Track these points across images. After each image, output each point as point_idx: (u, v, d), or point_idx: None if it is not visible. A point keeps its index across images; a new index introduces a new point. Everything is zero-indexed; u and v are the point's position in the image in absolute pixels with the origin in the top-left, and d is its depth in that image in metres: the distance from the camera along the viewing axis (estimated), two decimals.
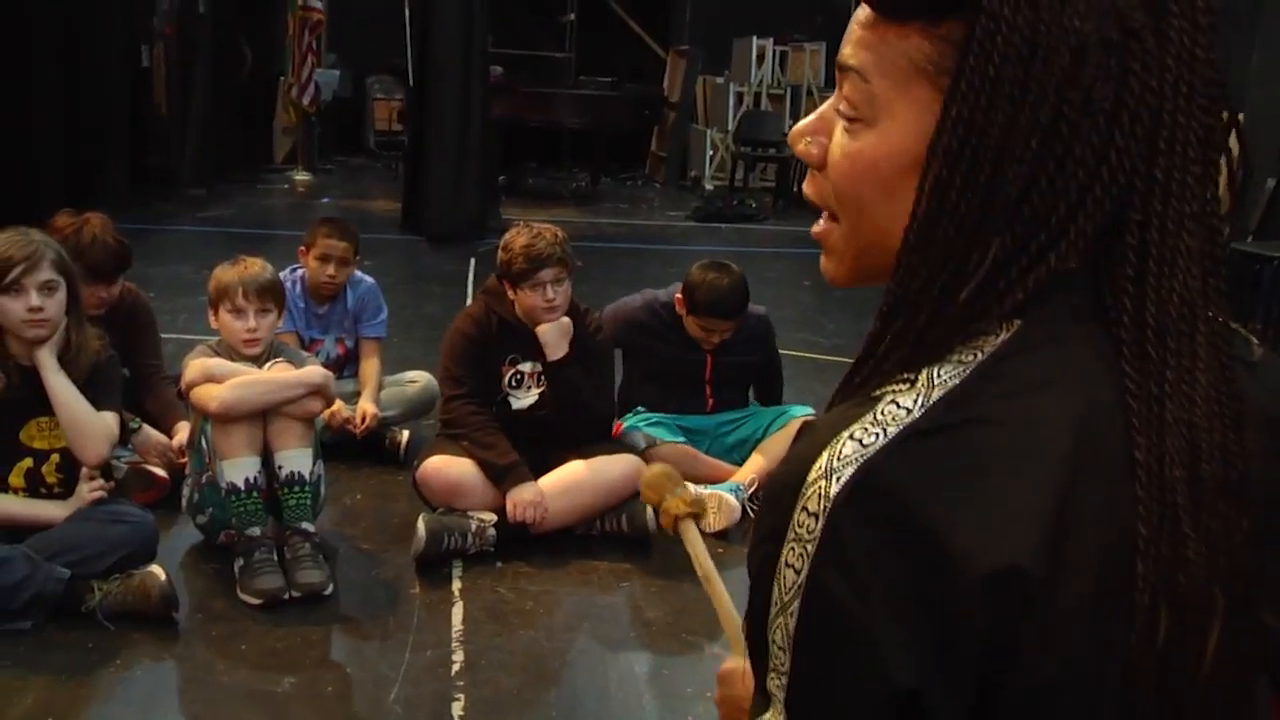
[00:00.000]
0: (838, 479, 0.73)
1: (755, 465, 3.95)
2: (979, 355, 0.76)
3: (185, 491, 3.49)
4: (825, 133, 0.86)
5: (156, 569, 3.07)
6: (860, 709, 0.73)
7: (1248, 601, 0.76)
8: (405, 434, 4.35)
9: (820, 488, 0.73)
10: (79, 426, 3.09)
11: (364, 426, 4.22)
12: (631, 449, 3.86)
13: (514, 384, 3.80)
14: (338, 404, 4.09)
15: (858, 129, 0.82)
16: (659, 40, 14.84)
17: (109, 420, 3.17)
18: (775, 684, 0.77)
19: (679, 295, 4.04)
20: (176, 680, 2.91)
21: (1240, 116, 0.85)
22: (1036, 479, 0.72)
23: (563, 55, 13.92)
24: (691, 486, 1.55)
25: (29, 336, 3.06)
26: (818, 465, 0.74)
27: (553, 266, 3.66)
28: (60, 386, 3.08)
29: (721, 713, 1.22)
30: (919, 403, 0.75)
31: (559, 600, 3.34)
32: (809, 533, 0.73)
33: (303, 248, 4.48)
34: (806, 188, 0.89)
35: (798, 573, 0.74)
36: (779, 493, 0.76)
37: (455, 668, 2.93)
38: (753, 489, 3.86)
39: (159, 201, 9.76)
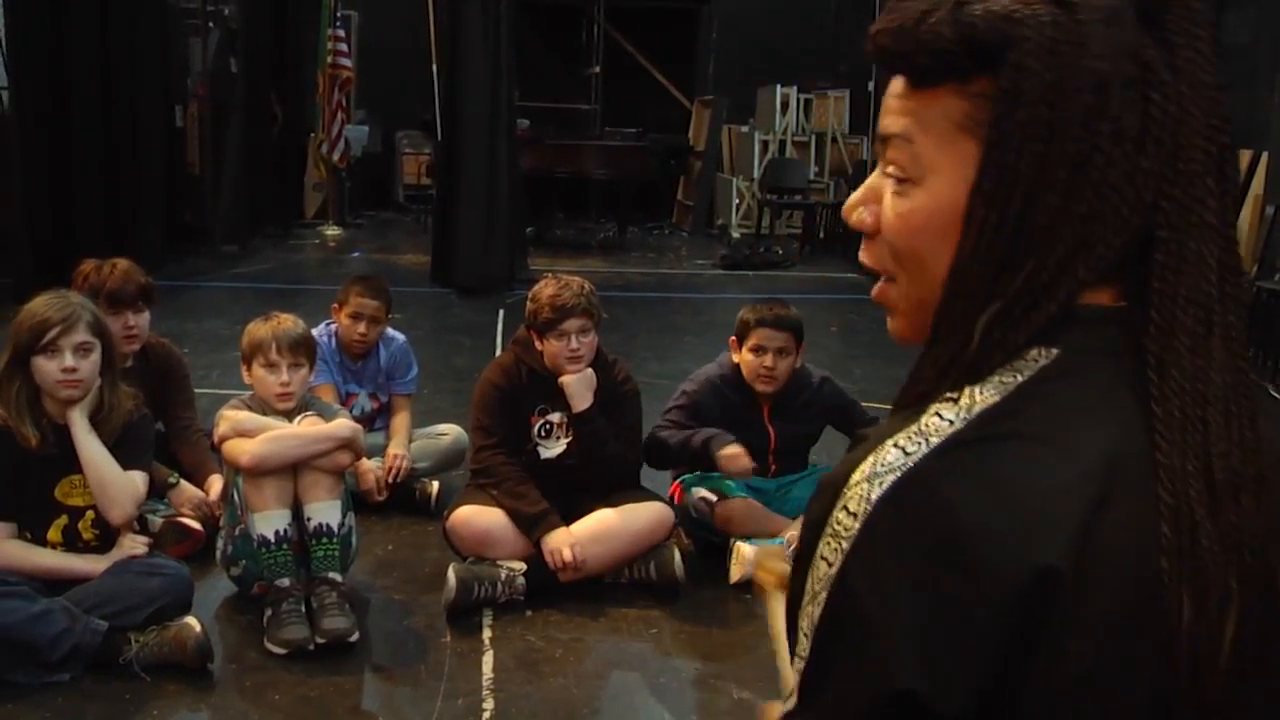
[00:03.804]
0: (880, 483, 0.79)
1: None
2: (1019, 377, 0.82)
3: (219, 544, 3.54)
4: (875, 200, 0.92)
5: (192, 620, 3.11)
6: (858, 701, 0.77)
7: (1266, 592, 0.80)
8: (435, 485, 4.39)
9: (862, 490, 0.79)
10: (105, 487, 3.16)
11: (392, 469, 4.31)
12: (698, 503, 3.93)
13: (543, 434, 3.84)
14: (364, 462, 4.19)
15: (907, 189, 0.88)
16: (684, 90, 14.98)
17: (136, 481, 3.23)
18: (797, 668, 0.83)
19: (731, 340, 4.07)
20: None
21: (1263, 155, 0.89)
22: (1069, 488, 0.76)
23: (589, 107, 14.07)
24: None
25: (62, 397, 3.13)
26: (862, 469, 0.80)
27: (578, 317, 3.71)
28: (90, 447, 3.15)
29: None
30: (961, 416, 0.81)
31: (589, 648, 3.37)
32: (846, 530, 0.79)
33: (336, 305, 4.56)
34: (863, 255, 0.96)
35: (830, 566, 0.80)
36: (824, 489, 0.83)
37: (486, 715, 2.96)
38: (792, 546, 3.84)
39: (193, 258, 9.91)
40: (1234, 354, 0.83)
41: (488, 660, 3.25)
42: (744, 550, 3.74)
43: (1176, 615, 0.77)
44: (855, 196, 0.96)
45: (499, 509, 3.67)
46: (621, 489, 3.82)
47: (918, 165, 0.87)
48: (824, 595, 0.80)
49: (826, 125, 13.29)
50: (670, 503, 3.95)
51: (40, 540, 3.20)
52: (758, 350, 3.97)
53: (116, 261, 4.00)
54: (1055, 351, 0.83)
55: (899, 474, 0.78)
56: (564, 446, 3.83)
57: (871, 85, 11.20)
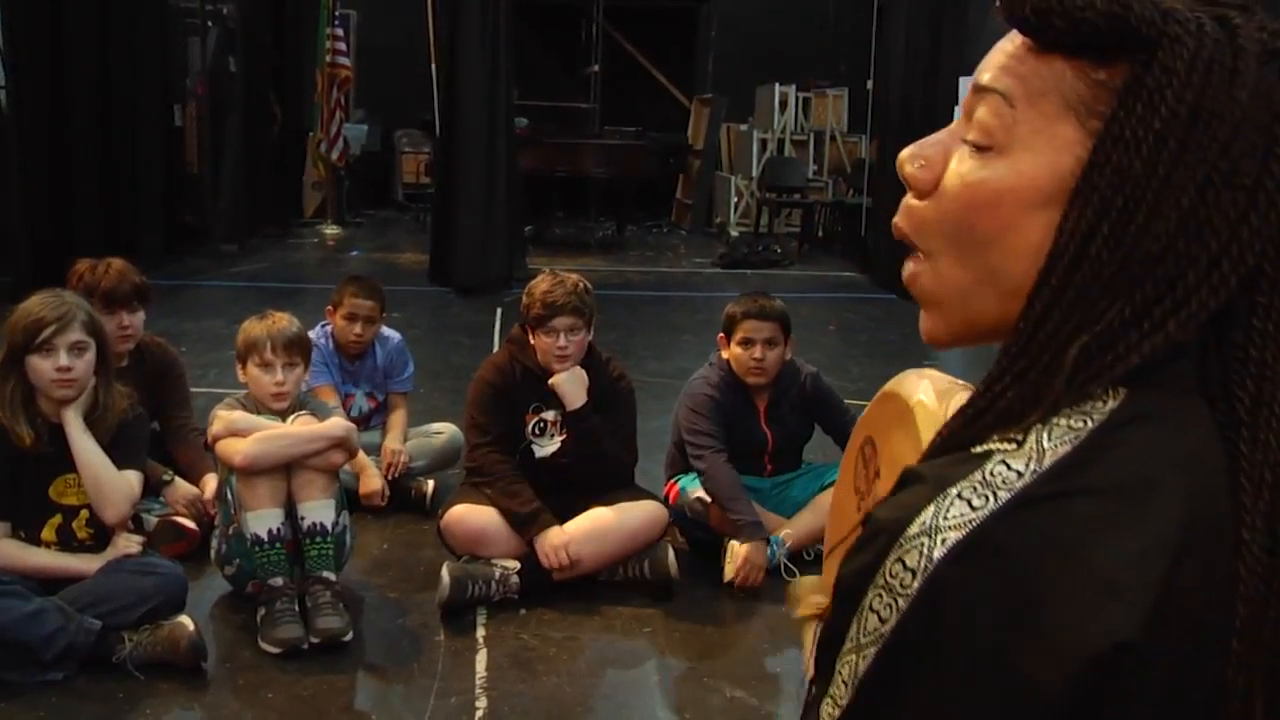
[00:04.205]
0: (942, 540, 0.72)
1: (802, 521, 3.95)
2: (1088, 423, 0.75)
3: (213, 543, 3.55)
4: (941, 158, 0.83)
5: (185, 620, 3.12)
6: None
7: None
8: (430, 484, 4.41)
9: (922, 545, 0.73)
10: (100, 487, 3.17)
11: (391, 465, 4.36)
12: (689, 505, 3.93)
13: (537, 432, 3.84)
14: (369, 469, 4.25)
15: (988, 157, 0.80)
16: (683, 89, 15.00)
17: (131, 480, 3.24)
18: (829, 712, 0.77)
19: (719, 337, 4.07)
20: None
21: None
22: (1145, 553, 0.71)
23: (588, 106, 14.05)
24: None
25: (56, 396, 3.14)
26: (921, 519, 0.73)
27: (567, 315, 3.71)
28: (84, 447, 3.15)
29: None
30: (1030, 467, 0.74)
31: (582, 646, 3.37)
32: (903, 586, 0.73)
33: (330, 306, 4.58)
34: (900, 219, 0.85)
35: (883, 621, 0.74)
36: (876, 534, 0.75)
37: (479, 714, 2.96)
38: (788, 544, 3.86)
39: (192, 258, 9.92)
40: None
41: (481, 659, 3.26)
42: (737, 549, 3.74)
43: (1245, 710, 0.72)
44: (915, 148, 0.85)
45: (493, 508, 3.68)
46: (616, 487, 3.83)
47: (1009, 134, 0.79)
48: (873, 650, 0.74)
49: (825, 124, 13.29)
50: (665, 502, 3.96)
51: (34, 539, 3.21)
52: (746, 343, 3.95)
53: (111, 261, 4.01)
54: (1123, 392, 0.75)
55: (964, 531, 0.72)
56: (558, 445, 3.84)
57: (870, 84, 11.18)
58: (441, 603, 3.47)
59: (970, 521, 0.72)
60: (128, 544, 3.25)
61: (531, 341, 3.79)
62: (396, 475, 4.36)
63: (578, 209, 13.37)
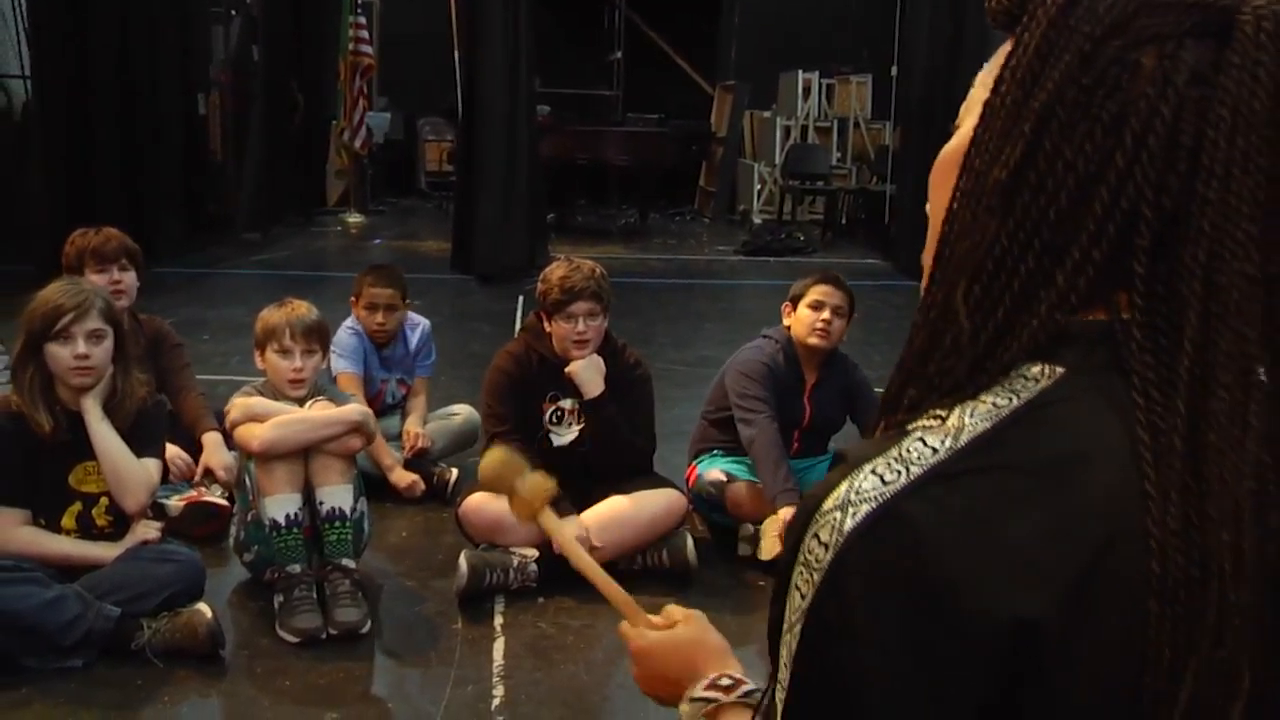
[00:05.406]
0: (853, 513, 0.71)
1: None
2: (1014, 400, 0.73)
3: (232, 530, 3.56)
4: None
5: (203, 607, 3.13)
6: None
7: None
8: (455, 472, 4.42)
9: (834, 519, 0.72)
10: (119, 475, 3.18)
11: (412, 447, 4.41)
12: (713, 484, 3.94)
13: (555, 421, 3.83)
14: (389, 454, 4.29)
15: (955, 132, 0.85)
16: (705, 76, 14.94)
17: (150, 469, 3.25)
18: (779, 697, 0.77)
19: (785, 306, 4.07)
20: (222, 716, 2.96)
21: None
22: (1064, 529, 0.69)
23: (610, 93, 14.06)
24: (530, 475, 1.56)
25: (74, 384, 3.14)
26: (835, 494, 0.73)
27: (586, 300, 3.70)
28: (103, 435, 3.16)
29: (653, 690, 1.24)
30: (946, 444, 0.72)
31: (600, 635, 3.36)
32: (817, 561, 0.72)
33: (352, 298, 4.61)
34: None
35: (803, 598, 0.73)
36: (799, 514, 0.76)
37: (495, 702, 2.96)
38: None
39: (215, 246, 9.94)
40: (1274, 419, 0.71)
41: (498, 647, 3.25)
42: (777, 520, 3.74)
43: (1170, 699, 0.69)
44: None
45: None
46: (634, 475, 3.82)
47: (968, 110, 0.83)
48: (799, 628, 0.73)
49: (848, 110, 13.22)
50: (685, 487, 3.95)
51: (54, 527, 3.22)
52: (816, 305, 3.97)
53: (103, 227, 4.17)
54: (1060, 371, 0.74)
55: (874, 505, 0.71)
56: (576, 433, 3.83)
57: (894, 70, 11.11)
58: (459, 591, 3.47)
59: (880, 495, 0.71)
60: (146, 530, 3.26)
61: (548, 329, 3.78)
62: (416, 454, 4.41)
63: (600, 197, 13.36)
